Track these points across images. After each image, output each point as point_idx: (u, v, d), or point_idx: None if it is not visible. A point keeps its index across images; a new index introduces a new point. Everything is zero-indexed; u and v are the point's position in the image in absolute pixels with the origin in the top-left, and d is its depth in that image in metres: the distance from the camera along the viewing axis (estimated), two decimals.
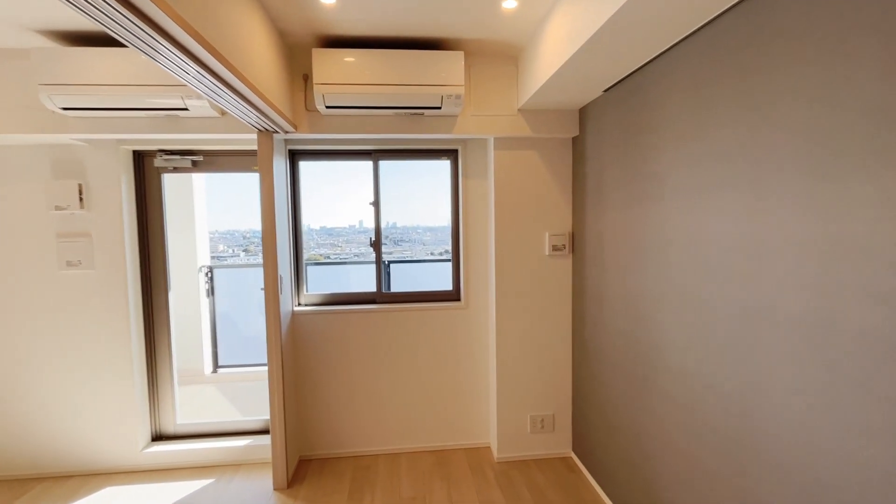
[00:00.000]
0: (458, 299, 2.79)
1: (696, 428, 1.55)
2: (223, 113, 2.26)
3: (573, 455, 2.63)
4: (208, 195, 4.55)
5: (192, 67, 1.37)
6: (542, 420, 2.62)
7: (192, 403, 3.42)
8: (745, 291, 1.32)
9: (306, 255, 3.06)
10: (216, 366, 4.09)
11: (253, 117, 2.02)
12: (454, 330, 2.74)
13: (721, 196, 1.41)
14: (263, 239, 2.28)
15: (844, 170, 1.02)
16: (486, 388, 2.77)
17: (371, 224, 2.77)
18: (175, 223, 3.86)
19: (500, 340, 2.57)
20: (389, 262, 4.32)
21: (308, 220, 3.90)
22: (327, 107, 2.18)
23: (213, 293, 4.11)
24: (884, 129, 0.93)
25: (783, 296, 1.18)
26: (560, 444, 2.66)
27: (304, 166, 2.74)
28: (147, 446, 2.59)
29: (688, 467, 1.60)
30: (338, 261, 5.02)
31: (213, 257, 4.90)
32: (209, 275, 4.07)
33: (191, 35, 1.17)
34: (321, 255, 4.84)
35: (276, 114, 2.02)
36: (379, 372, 2.70)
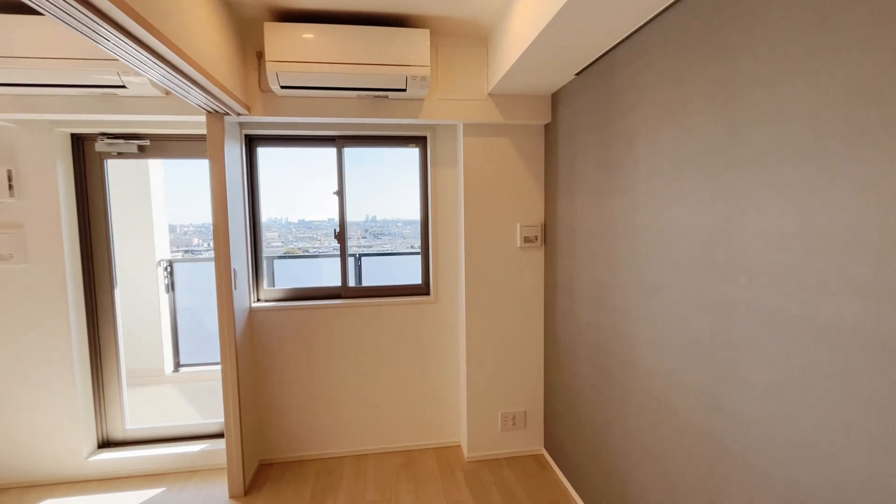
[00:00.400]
0: (428, 293, 2.68)
1: (667, 426, 1.48)
2: (168, 92, 2.08)
3: (545, 452, 2.57)
4: (176, 185, 4.32)
5: (112, 33, 1.21)
6: (514, 417, 2.54)
7: (149, 405, 3.23)
8: (719, 284, 1.24)
9: (283, 248, 2.90)
10: (177, 365, 3.88)
11: (199, 97, 1.85)
12: (423, 325, 2.63)
13: (694, 183, 1.33)
14: (215, 231, 2.12)
15: (828, 151, 0.94)
16: (457, 386, 2.68)
17: (351, 216, 2.63)
18: (129, 214, 3.63)
19: (471, 335, 2.47)
20: (361, 255, 4.18)
21: (286, 213, 3.66)
22: (282, 87, 2.02)
23: (173, 288, 3.89)
24: (872, 106, 0.85)
25: (759, 289, 1.11)
26: (532, 442, 2.59)
27: (264, 153, 2.57)
28: (93, 454, 2.41)
29: (659, 467, 1.53)
30: (306, 254, 4.85)
31: (186, 252, 4.67)
32: (168, 269, 3.85)
33: None
34: (300, 248, 4.65)
35: (223, 94, 1.85)
36: (344, 370, 2.57)
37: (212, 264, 4.34)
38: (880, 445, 0.85)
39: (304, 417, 2.55)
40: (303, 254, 4.98)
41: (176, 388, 3.60)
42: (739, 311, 1.17)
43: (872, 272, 0.85)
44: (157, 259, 3.78)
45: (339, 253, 2.63)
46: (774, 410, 1.07)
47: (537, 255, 2.51)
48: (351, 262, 4.31)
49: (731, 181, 1.18)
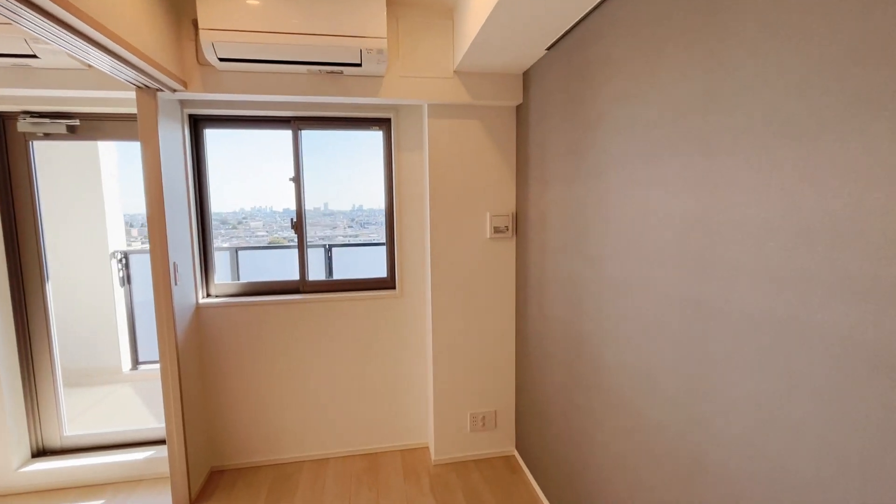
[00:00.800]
0: (394, 287, 2.51)
1: (640, 436, 1.34)
2: (91, 65, 1.85)
3: (517, 454, 2.44)
4: (134, 172, 4.05)
5: None
6: (484, 417, 2.41)
7: (101, 407, 3.02)
8: (695, 280, 1.09)
9: (268, 238, 2.69)
10: (136, 362, 3.66)
11: (125, 71, 1.64)
12: (388, 321, 2.46)
13: (669, 166, 1.17)
14: (149, 220, 1.91)
15: (822, 124, 0.78)
16: (425, 385, 2.53)
17: (339, 206, 2.44)
18: (77, 203, 3.37)
19: (437, 332, 2.32)
20: (330, 245, 3.99)
21: (271, 202, 3.40)
22: (220, 59, 1.81)
23: (129, 281, 3.66)
24: (883, 65, 0.69)
25: (739, 286, 0.96)
26: (503, 443, 2.46)
27: (213, 136, 2.35)
28: (25, 464, 2.21)
29: (631, 478, 1.40)
30: (277, 246, 4.63)
31: (147, 243, 4.39)
32: (123, 261, 3.61)
33: None
34: (285, 238, 4.41)
35: (151, 67, 1.64)
36: (304, 370, 2.40)
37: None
38: (875, 474, 0.71)
39: (260, 421, 2.38)
40: (273, 245, 4.76)
41: (132, 388, 3.39)
42: (717, 311, 1.02)
43: (870, 269, 0.70)
44: (111, 251, 3.54)
45: (302, 244, 2.44)
46: (755, 427, 0.94)
47: (508, 247, 2.35)
48: (321, 253, 4.14)
49: (710, 164, 1.03)
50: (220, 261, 4.05)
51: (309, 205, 3.28)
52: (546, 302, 1.98)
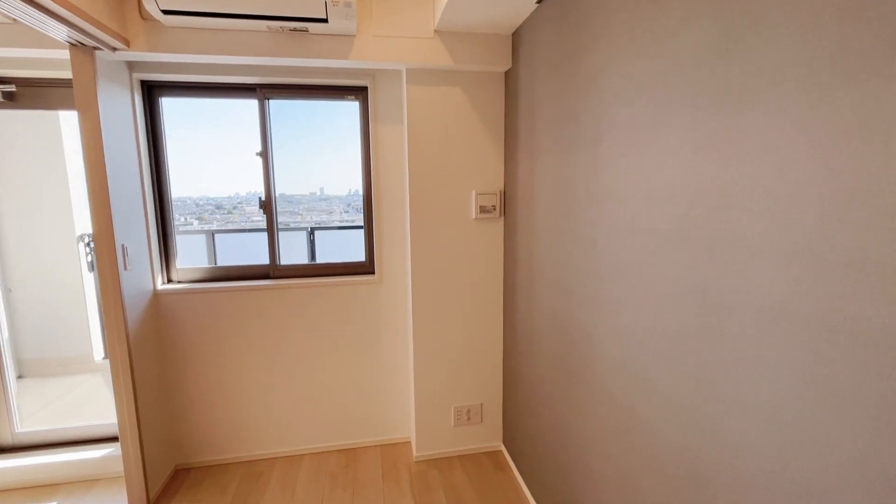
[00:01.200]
0: (372, 272, 2.32)
1: (633, 437, 1.18)
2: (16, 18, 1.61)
3: (504, 449, 2.30)
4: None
5: None
6: (469, 411, 2.25)
7: (69, 398, 2.86)
8: (699, 265, 0.91)
9: (263, 222, 2.54)
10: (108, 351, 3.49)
11: (54, 26, 1.41)
12: (367, 308, 2.28)
13: (672, 131, 0.98)
14: (90, 198, 1.71)
15: (869, 67, 0.59)
16: (406, 376, 2.36)
17: (335, 190, 2.24)
18: (39, 182, 3.15)
19: (418, 321, 2.14)
20: (313, 228, 3.79)
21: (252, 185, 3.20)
22: (164, 11, 1.58)
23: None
24: None
25: (759, 271, 0.78)
26: (489, 437, 2.31)
27: (170, 105, 2.13)
28: None
29: (624, 482, 1.24)
30: (257, 229, 4.41)
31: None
32: (92, 244, 3.40)
33: None
34: (282, 222, 4.21)
35: (82, 20, 1.41)
36: (276, 361, 2.23)
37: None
38: None
39: (229, 416, 2.22)
40: (253, 229, 4.55)
41: (104, 378, 3.23)
42: (726, 301, 0.84)
43: None
44: (78, 234, 3.33)
45: (272, 226, 2.24)
46: (771, 438, 0.76)
47: (496, 228, 2.16)
48: (303, 236, 3.94)
49: (728, 123, 0.83)
50: (196, 245, 3.87)
51: (305, 189, 3.04)
52: (535, 289, 1.80)
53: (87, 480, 2.07)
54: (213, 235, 3.71)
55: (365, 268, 2.33)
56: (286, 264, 2.29)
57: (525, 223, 1.88)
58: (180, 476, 2.13)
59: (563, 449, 1.60)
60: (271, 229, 2.25)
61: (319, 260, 3.00)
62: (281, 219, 2.28)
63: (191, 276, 2.22)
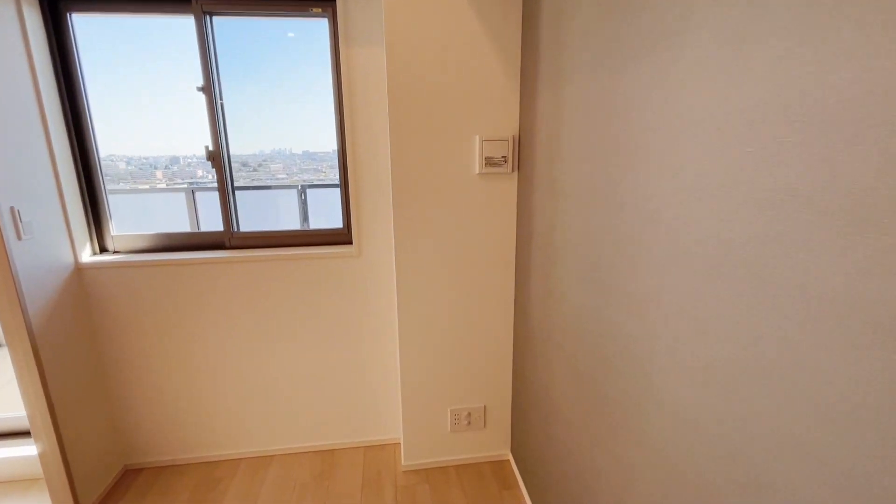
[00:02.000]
0: (350, 242, 1.86)
1: (686, 479, 0.71)
2: None
3: (511, 459, 1.89)
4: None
5: None
6: (469, 415, 1.84)
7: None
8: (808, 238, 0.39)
9: (289, 180, 2.19)
10: None
11: None
12: (345, 286, 1.84)
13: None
14: None
15: None
16: (395, 366, 1.95)
17: (323, 146, 1.75)
18: None
19: (404, 304, 1.69)
20: (305, 186, 3.33)
21: (290, 144, 2.72)
22: None
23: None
24: None
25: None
26: (494, 444, 1.90)
27: (87, 25, 1.64)
28: None
29: None
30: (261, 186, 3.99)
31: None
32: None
33: None
34: (302, 179, 3.75)
35: None
36: (238, 347, 1.85)
37: (142, 197, 3.43)
38: None
39: (185, 411, 1.87)
40: (251, 186, 4.14)
41: None
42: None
43: None
44: None
45: (223, 184, 1.79)
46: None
47: (507, 187, 1.63)
48: (293, 195, 3.49)
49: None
50: (177, 204, 3.46)
51: (298, 149, 2.66)
52: (556, 275, 1.30)
53: (24, 480, 1.80)
54: (192, 194, 3.30)
55: (342, 236, 1.87)
56: (245, 231, 1.85)
57: (545, 181, 1.36)
58: (129, 478, 1.82)
59: (587, 491, 1.16)
60: (224, 188, 1.79)
61: (314, 226, 2.55)
62: (307, 176, 1.82)
63: (130, 244, 1.81)
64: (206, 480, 1.80)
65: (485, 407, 1.84)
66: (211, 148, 1.74)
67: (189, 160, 3.45)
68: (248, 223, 1.88)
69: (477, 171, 1.59)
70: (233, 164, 1.80)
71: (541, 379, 1.47)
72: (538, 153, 1.41)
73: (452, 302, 1.70)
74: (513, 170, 1.61)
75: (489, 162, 1.59)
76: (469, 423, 1.84)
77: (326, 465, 1.89)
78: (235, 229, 1.84)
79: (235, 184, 1.83)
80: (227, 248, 1.84)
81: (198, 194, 3.28)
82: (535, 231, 1.46)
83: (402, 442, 1.86)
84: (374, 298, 1.86)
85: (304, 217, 3.40)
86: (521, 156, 1.59)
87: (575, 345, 1.18)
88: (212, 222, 3.56)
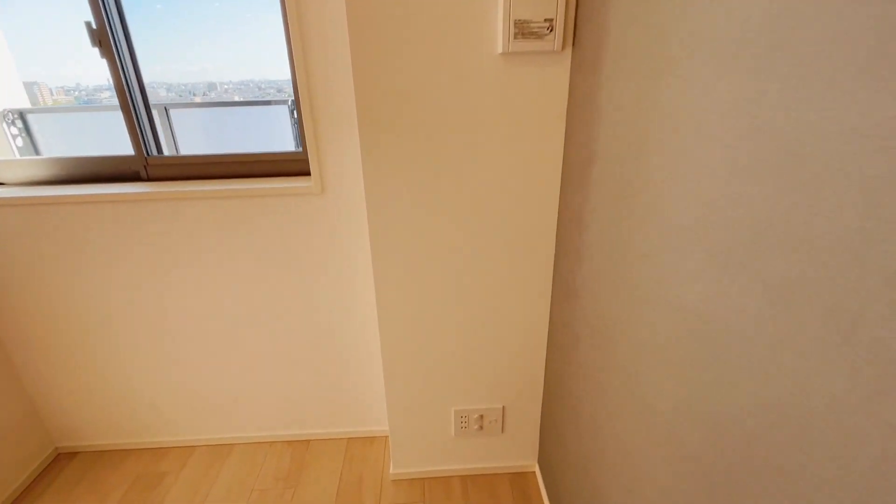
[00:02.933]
0: (308, 173, 1.28)
1: None
2: None
3: (538, 471, 1.40)
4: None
5: None
6: (482, 417, 1.33)
7: None
8: None
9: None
10: None
11: None
12: (306, 231, 1.30)
13: None
14: None
15: None
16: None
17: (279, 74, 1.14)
18: None
19: (380, 265, 1.13)
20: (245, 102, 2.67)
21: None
22: None
23: (37, 150, 2.71)
24: None
25: None
26: (515, 453, 1.41)
27: None
28: None
29: None
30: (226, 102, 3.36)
31: (88, 101, 3.33)
32: (20, 123, 2.61)
33: None
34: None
35: None
36: (175, 311, 1.38)
37: (110, 113, 2.94)
38: None
39: (123, 390, 1.48)
40: (213, 103, 3.51)
41: None
42: None
43: None
44: None
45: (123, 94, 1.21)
46: None
47: (550, 75, 0.95)
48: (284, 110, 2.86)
49: None
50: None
51: (257, 75, 2.17)
52: (643, 238, 0.68)
53: None
54: (166, 110, 2.74)
55: (297, 163, 1.29)
56: (166, 156, 1.30)
57: (621, 63, 0.68)
58: (60, 463, 1.49)
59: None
60: (127, 108, 1.21)
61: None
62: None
63: (19, 174, 1.32)
64: (147, 475, 1.44)
65: (503, 408, 1.32)
66: (94, 25, 1.14)
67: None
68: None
69: (500, 50, 0.92)
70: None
71: (587, 371, 0.91)
72: (611, 18, 0.71)
73: (454, 264, 1.12)
74: (560, 47, 0.92)
75: (522, 30, 0.90)
76: (481, 426, 1.34)
77: (296, 462, 1.47)
78: (154, 152, 1.29)
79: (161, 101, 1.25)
80: (145, 179, 1.30)
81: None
82: (601, 155, 0.81)
83: (389, 445, 1.40)
84: (346, 249, 1.31)
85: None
86: (577, 23, 0.89)
87: (646, 321, 0.59)
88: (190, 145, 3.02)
